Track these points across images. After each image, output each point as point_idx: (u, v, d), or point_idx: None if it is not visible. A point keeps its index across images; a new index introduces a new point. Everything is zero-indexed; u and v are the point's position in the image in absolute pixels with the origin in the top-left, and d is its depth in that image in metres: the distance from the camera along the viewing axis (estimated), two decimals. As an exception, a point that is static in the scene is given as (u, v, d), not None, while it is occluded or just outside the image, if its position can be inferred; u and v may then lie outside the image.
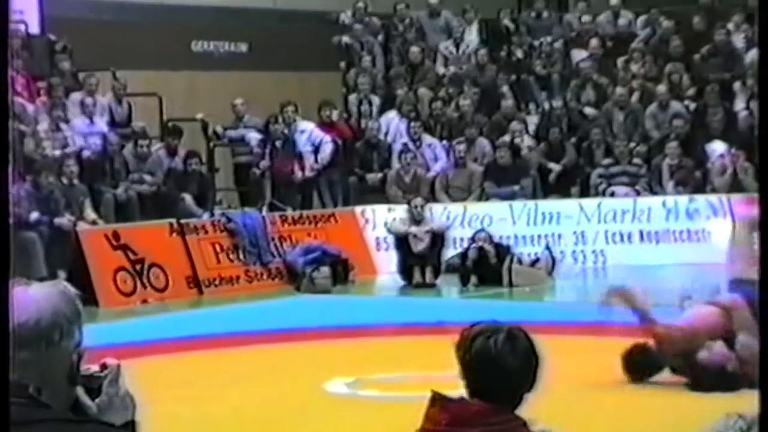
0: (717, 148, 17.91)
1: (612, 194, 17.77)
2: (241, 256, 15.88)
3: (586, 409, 8.35)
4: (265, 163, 18.13)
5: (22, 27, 18.01)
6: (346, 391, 9.23)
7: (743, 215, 16.85)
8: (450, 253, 16.20)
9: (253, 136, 18.55)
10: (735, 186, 17.35)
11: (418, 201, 16.29)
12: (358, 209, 17.52)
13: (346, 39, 20.75)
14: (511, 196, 17.70)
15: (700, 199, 17.20)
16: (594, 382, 9.12)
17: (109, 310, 13.89)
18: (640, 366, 9.02)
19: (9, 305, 2.53)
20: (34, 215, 14.98)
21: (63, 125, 17.03)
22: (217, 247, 15.79)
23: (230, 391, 9.29)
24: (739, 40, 19.80)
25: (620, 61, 19.93)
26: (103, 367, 2.81)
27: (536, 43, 20.84)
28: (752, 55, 19.30)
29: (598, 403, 8.64)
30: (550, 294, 15.74)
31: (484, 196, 17.94)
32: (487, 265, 15.57)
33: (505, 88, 19.79)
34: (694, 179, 17.84)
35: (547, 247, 16.51)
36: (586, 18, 20.91)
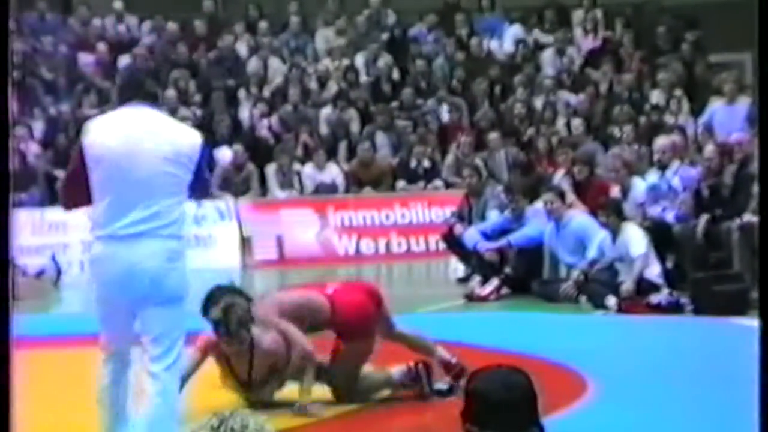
0: (225, 154, 18.15)
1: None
2: None
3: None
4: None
5: None
6: None
7: (249, 219, 17.28)
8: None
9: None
10: (243, 191, 17.70)
11: None
12: None
13: None
14: (19, 204, 17.03)
15: (208, 205, 17.29)
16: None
17: None
18: None
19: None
20: None
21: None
22: None
23: None
24: (242, 48, 20.20)
25: (123, 65, 19.73)
26: None
27: (38, 45, 20.22)
28: (254, 62, 19.73)
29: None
30: (56, 305, 15.31)
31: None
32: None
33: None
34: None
35: (53, 258, 16.09)
36: (94, 22, 20.54)
